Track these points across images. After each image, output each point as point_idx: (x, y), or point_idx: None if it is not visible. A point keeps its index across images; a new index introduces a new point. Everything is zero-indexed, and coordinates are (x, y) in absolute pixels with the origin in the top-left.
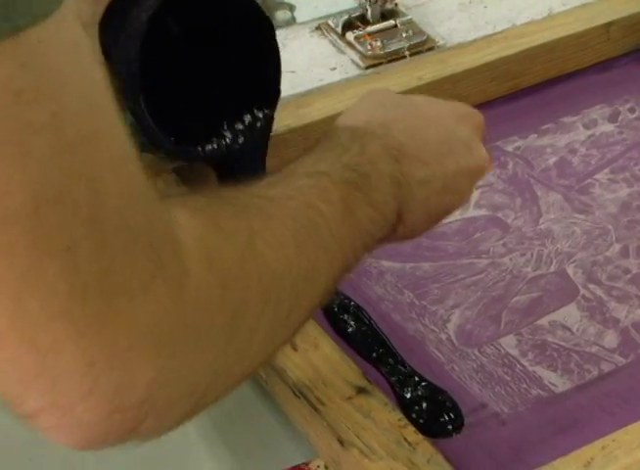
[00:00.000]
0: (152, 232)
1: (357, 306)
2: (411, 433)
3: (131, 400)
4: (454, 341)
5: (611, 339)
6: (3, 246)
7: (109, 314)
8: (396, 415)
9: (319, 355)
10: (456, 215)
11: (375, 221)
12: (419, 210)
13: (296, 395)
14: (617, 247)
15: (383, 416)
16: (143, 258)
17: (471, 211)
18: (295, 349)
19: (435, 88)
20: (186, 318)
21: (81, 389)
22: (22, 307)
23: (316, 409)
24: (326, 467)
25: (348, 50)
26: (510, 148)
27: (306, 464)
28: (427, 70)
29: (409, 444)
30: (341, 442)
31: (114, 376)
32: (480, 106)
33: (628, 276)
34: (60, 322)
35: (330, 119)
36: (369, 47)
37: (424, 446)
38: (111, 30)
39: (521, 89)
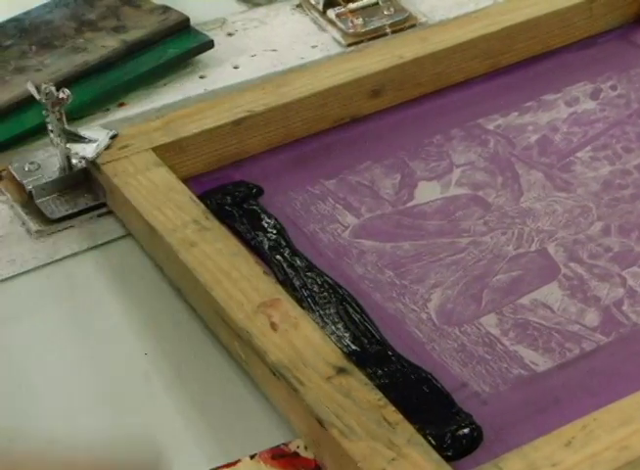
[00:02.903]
0: None
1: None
2: (391, 412)
3: None
4: (435, 320)
5: (592, 317)
6: None
7: None
8: (376, 395)
9: (299, 336)
10: (437, 194)
11: None
12: None
13: (275, 375)
14: (598, 225)
15: (362, 396)
16: None
17: (452, 190)
18: (274, 329)
19: (416, 66)
20: None
21: None
22: None
23: (295, 390)
24: (306, 447)
25: (330, 28)
26: (491, 126)
27: (286, 445)
28: (408, 48)
29: (389, 423)
30: (320, 422)
31: None
32: (462, 84)
33: (610, 254)
34: None
35: (309, 98)
36: (350, 24)
37: (403, 426)
38: None
39: (502, 67)
